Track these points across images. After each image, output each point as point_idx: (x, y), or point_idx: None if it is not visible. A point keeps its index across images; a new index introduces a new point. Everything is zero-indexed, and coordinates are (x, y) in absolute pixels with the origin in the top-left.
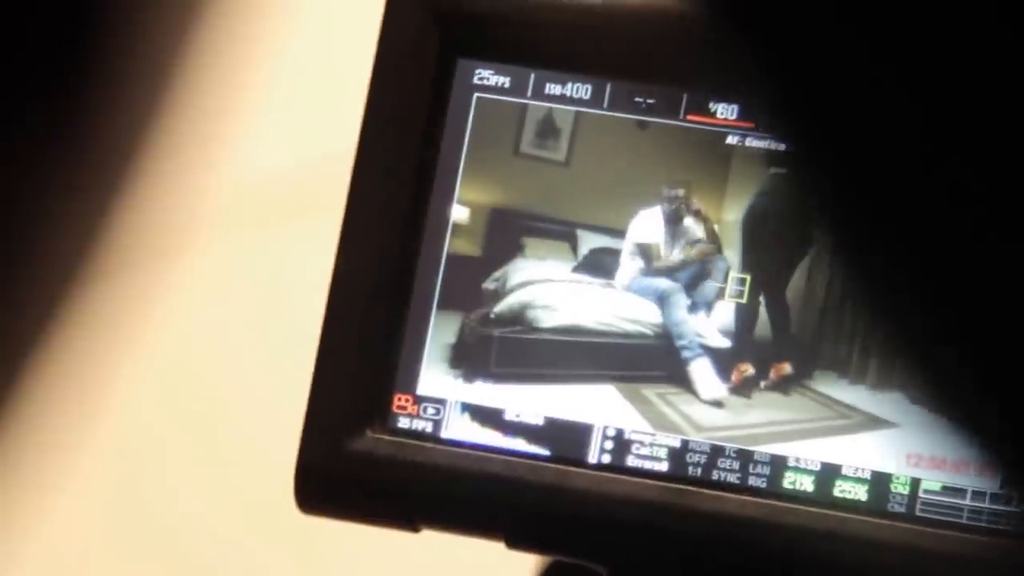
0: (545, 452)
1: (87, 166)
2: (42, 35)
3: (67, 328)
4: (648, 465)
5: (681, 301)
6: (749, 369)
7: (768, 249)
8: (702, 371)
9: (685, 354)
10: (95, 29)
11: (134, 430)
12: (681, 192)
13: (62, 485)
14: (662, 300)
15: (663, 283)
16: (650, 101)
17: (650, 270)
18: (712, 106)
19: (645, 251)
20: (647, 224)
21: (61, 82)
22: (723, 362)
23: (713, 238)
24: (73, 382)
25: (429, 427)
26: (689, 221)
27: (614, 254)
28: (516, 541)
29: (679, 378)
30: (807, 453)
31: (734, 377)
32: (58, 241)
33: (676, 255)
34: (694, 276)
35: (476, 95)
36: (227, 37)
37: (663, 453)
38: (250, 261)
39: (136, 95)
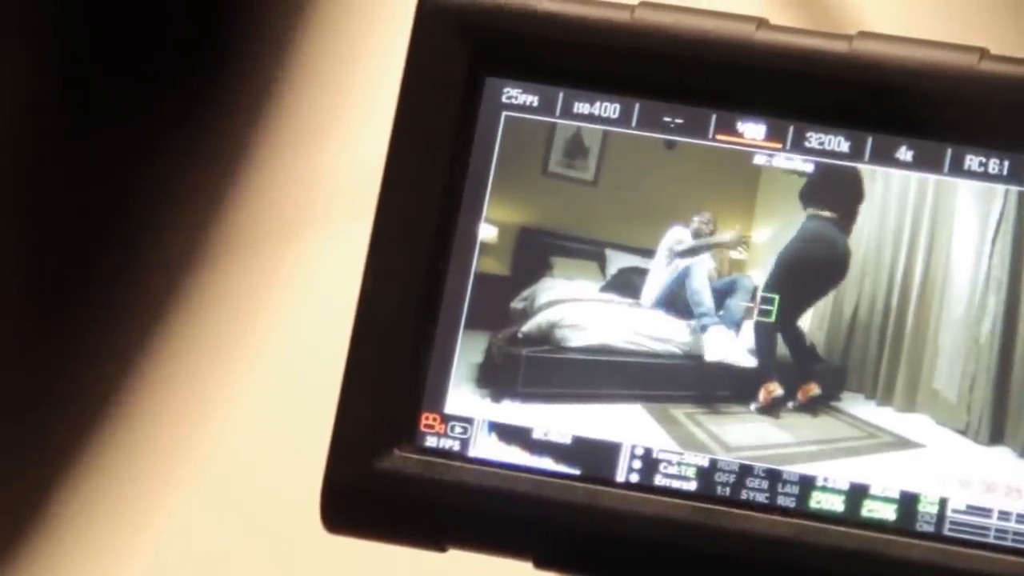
0: (573, 471)
1: (204, 158)
2: (163, 33)
3: (184, 314)
4: (676, 484)
5: (703, 272)
6: (777, 389)
7: (801, 274)
8: (715, 337)
9: (703, 321)
10: (216, 30)
11: (245, 423)
12: (708, 216)
13: (176, 479)
14: (685, 274)
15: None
16: (678, 121)
17: None
18: (740, 125)
19: (689, 247)
20: (679, 237)
21: (182, 75)
22: (750, 382)
23: (743, 257)
24: (192, 369)
25: (456, 446)
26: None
27: (642, 273)
28: (544, 561)
29: (707, 397)
30: (835, 473)
31: (762, 397)
32: (175, 230)
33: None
34: (722, 294)
35: (504, 114)
36: (335, 37)
37: (691, 472)
38: (295, 267)
39: (251, 88)
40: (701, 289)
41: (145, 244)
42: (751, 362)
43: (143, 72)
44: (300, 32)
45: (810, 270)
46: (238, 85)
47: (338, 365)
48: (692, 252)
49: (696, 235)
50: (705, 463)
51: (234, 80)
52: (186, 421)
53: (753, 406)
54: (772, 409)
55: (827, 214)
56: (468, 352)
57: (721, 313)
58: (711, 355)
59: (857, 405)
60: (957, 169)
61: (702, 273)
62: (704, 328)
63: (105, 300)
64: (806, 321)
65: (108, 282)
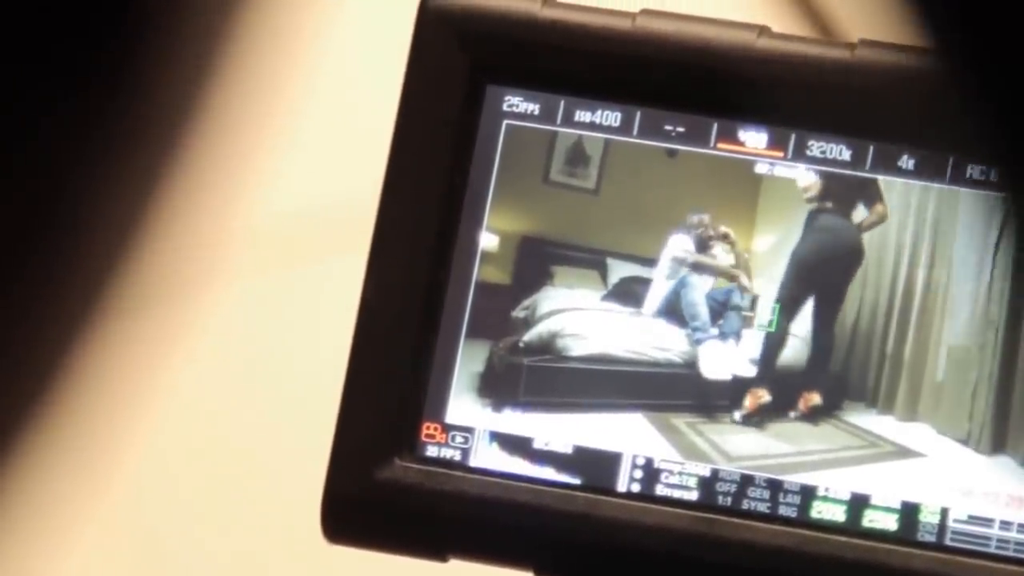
0: (574, 481)
1: (108, 200)
2: (64, 63)
3: (86, 361)
4: (678, 494)
5: (699, 284)
6: (765, 396)
7: (809, 282)
8: (711, 352)
9: (698, 335)
10: (118, 64)
11: (156, 465)
12: (706, 217)
13: (79, 532)
14: (681, 284)
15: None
16: (680, 129)
17: None
18: (742, 134)
19: (688, 263)
20: (682, 245)
21: (85, 108)
22: (743, 390)
23: (743, 265)
24: (92, 416)
25: (457, 455)
26: (718, 248)
27: (644, 282)
28: (545, 570)
29: (708, 406)
30: (837, 483)
31: (748, 402)
32: (76, 274)
33: (712, 272)
34: (721, 303)
35: (505, 122)
36: (253, 68)
37: (693, 482)
38: (275, 296)
39: (161, 125)
40: (697, 302)
41: (41, 288)
42: (751, 372)
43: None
44: (213, 65)
45: (826, 263)
46: (147, 122)
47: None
48: (692, 269)
49: (698, 241)
50: (706, 473)
51: (142, 116)
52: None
53: (737, 414)
54: (758, 417)
55: (829, 205)
56: (469, 361)
57: (721, 323)
58: (708, 372)
59: (858, 414)
60: (959, 178)
61: (698, 286)
62: (699, 342)
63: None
64: (807, 330)
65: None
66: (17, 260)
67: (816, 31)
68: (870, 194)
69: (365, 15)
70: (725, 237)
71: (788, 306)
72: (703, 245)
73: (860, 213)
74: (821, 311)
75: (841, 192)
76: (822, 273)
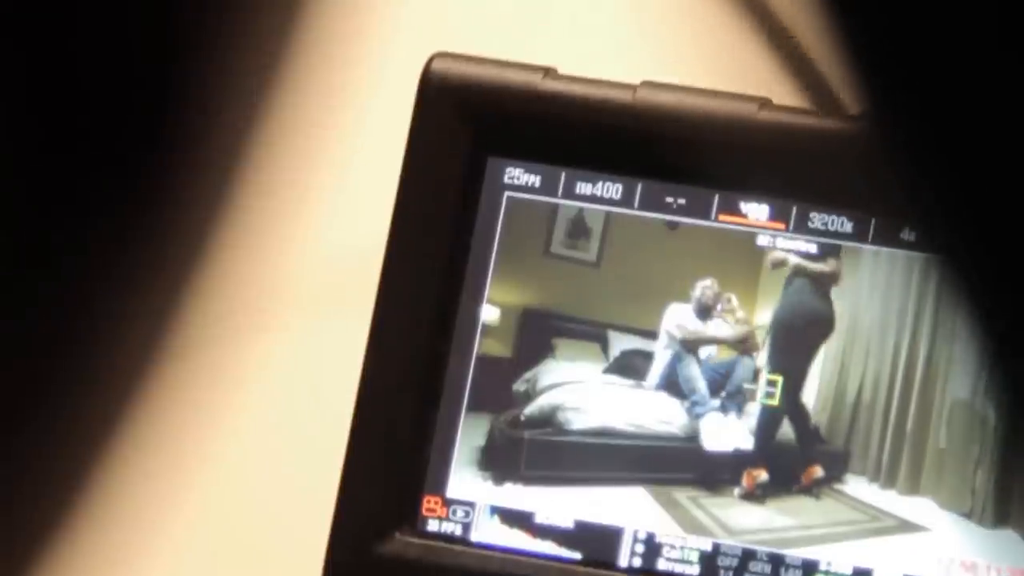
0: (576, 556)
1: (161, 247)
2: (115, 115)
3: (143, 404)
4: (680, 569)
5: (693, 360)
6: (763, 474)
7: (792, 350)
8: (711, 425)
9: (698, 409)
10: (168, 117)
11: (152, 537)
12: (709, 282)
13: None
14: (677, 359)
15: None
16: (681, 201)
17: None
18: (743, 206)
19: (677, 340)
20: (679, 318)
21: (136, 161)
22: (743, 466)
23: (744, 338)
24: (151, 459)
25: (458, 530)
26: (721, 318)
27: (645, 355)
28: None
29: (709, 480)
30: (839, 557)
31: (746, 481)
32: (132, 320)
33: (708, 349)
34: (723, 375)
35: (507, 194)
36: (299, 120)
37: (694, 556)
38: (295, 350)
39: (212, 173)
40: (694, 376)
41: (96, 339)
42: (752, 445)
43: (89, 153)
44: (259, 115)
45: (799, 327)
46: (198, 170)
47: (309, 460)
48: (692, 341)
49: (701, 308)
50: (708, 547)
51: (192, 165)
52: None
53: (736, 491)
54: (756, 494)
55: (806, 268)
56: (470, 435)
57: (723, 395)
58: (709, 445)
59: (860, 488)
60: None
61: (697, 359)
62: (700, 415)
63: (60, 411)
64: (809, 401)
65: (62, 392)
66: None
67: (817, 103)
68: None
69: (371, 84)
70: (729, 302)
71: (789, 378)
72: (706, 313)
73: (819, 268)
74: (816, 380)
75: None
76: (801, 338)
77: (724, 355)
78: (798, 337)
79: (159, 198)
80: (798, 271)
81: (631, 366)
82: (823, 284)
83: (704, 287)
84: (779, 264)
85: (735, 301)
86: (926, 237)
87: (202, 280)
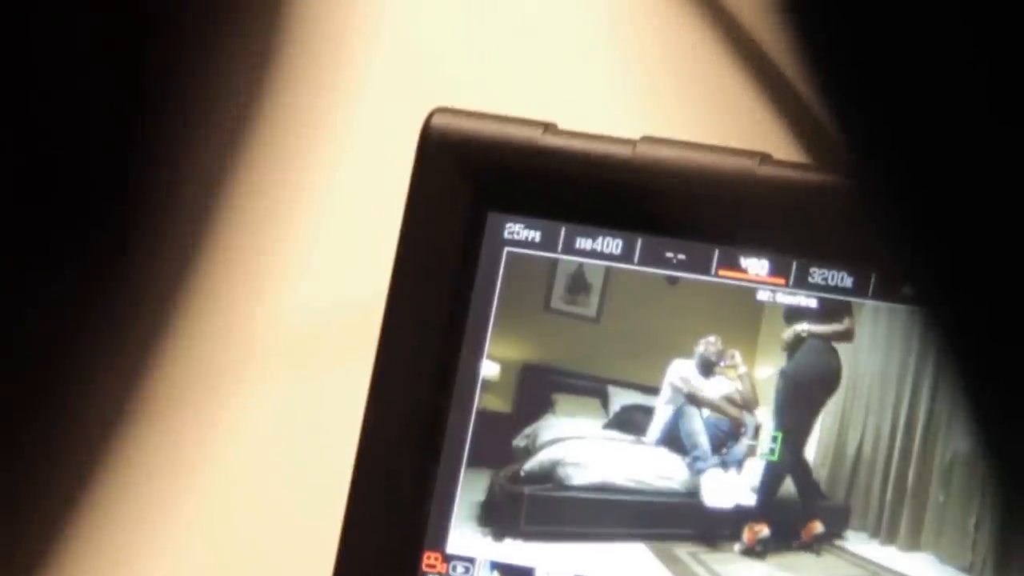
0: None
1: (126, 313)
2: (80, 179)
3: (111, 470)
4: None
5: (699, 413)
6: (764, 530)
7: (797, 407)
8: (712, 481)
9: (699, 464)
10: (134, 180)
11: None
12: (712, 338)
13: None
14: (679, 414)
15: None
16: (681, 256)
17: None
18: (743, 261)
19: (683, 394)
20: (684, 371)
21: (100, 223)
22: (743, 522)
23: (746, 393)
24: (118, 526)
25: None
26: (722, 374)
27: (645, 410)
28: None
29: (710, 536)
30: None
31: (747, 537)
32: (100, 384)
33: (709, 406)
34: (724, 431)
35: (507, 249)
36: (266, 183)
37: None
38: (293, 403)
39: (178, 236)
40: (696, 431)
41: (63, 403)
42: (753, 501)
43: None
44: (227, 178)
45: (805, 384)
46: (165, 232)
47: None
48: (693, 397)
49: (704, 364)
50: None
51: (158, 228)
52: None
53: (737, 547)
54: (757, 551)
55: (816, 330)
56: (470, 490)
57: (724, 451)
58: (710, 501)
59: (861, 544)
60: None
61: (698, 414)
62: (700, 471)
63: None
64: (810, 457)
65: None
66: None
67: (817, 158)
68: (851, 316)
69: (371, 138)
70: (732, 358)
71: (790, 435)
72: (708, 369)
73: (833, 328)
74: (816, 436)
75: (828, 315)
76: (808, 396)
77: (726, 410)
78: (804, 394)
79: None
80: (807, 329)
81: (631, 421)
82: (832, 342)
83: (708, 343)
84: (789, 320)
85: (739, 357)
86: (918, 291)
87: (195, 330)
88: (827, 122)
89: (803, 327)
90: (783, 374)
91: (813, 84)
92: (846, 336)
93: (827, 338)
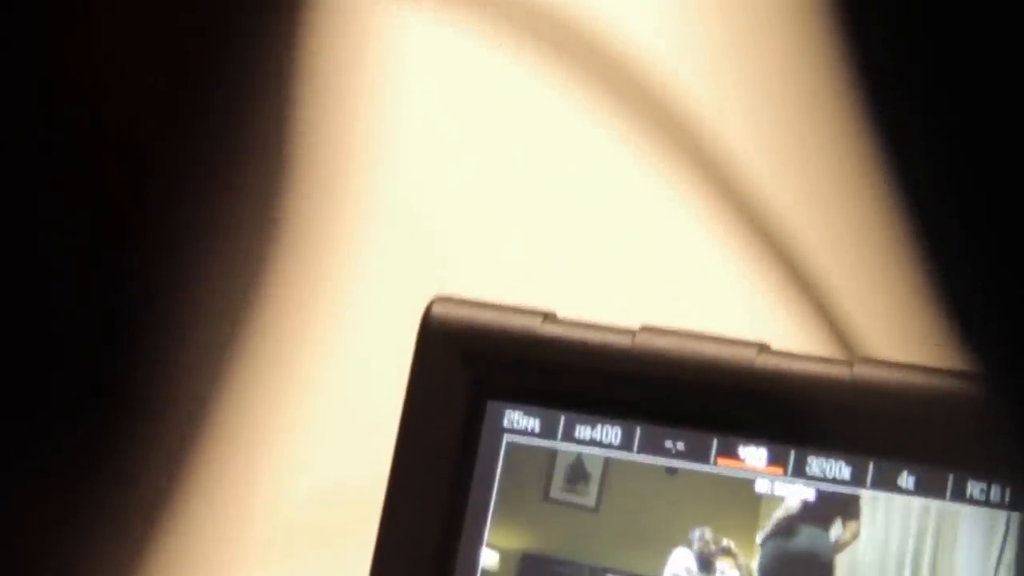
0: None
1: (124, 501)
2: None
3: None
4: None
5: None
6: None
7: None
8: None
9: None
10: (125, 362)
11: None
12: (708, 533)
13: None
14: None
15: None
16: (680, 446)
17: None
18: (741, 450)
19: None
20: (686, 561)
21: (94, 411)
22: None
23: None
24: None
25: None
26: (722, 565)
27: None
28: None
29: None
30: None
31: None
32: (95, 569)
33: None
34: None
35: (506, 438)
36: (264, 366)
37: None
38: None
39: (175, 419)
40: None
41: None
42: None
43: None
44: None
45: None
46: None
47: None
48: None
49: (701, 558)
50: None
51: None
52: None
53: None
54: None
55: (814, 519)
56: None
57: None
58: None
59: None
60: (959, 496)
61: None
62: None
63: None
64: None
65: None
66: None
67: (816, 347)
68: (850, 511)
69: (372, 323)
70: (727, 551)
71: None
72: (706, 563)
73: (836, 530)
74: None
75: (824, 506)
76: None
77: None
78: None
79: (131, 436)
80: (802, 519)
81: None
82: (829, 531)
83: (700, 537)
84: (786, 509)
85: (734, 547)
86: (1012, 493)
87: (193, 515)
88: (946, 324)
89: (800, 516)
90: (780, 563)
91: (925, 268)
92: (843, 525)
93: (824, 527)
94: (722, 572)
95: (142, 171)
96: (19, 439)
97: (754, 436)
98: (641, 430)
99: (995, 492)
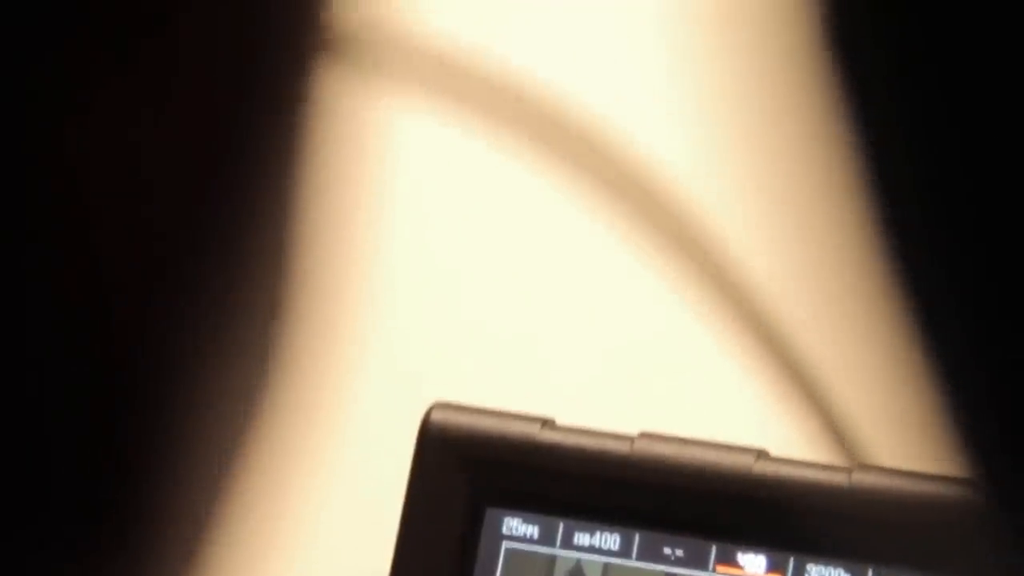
0: None
1: None
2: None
3: None
4: None
5: None
6: None
7: None
8: None
9: None
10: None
11: None
12: None
13: None
14: None
15: None
16: (679, 553)
17: None
18: (740, 557)
19: None
20: None
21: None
22: None
23: None
24: None
25: None
26: None
27: None
28: None
29: None
30: None
31: None
32: None
33: None
34: None
35: (505, 544)
36: (266, 472)
37: None
38: None
39: (181, 523)
40: None
41: None
42: None
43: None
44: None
45: None
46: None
47: None
48: None
49: None
50: None
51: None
52: None
53: None
54: None
55: None
56: None
57: None
58: None
59: None
60: None
61: None
62: None
63: None
64: None
65: None
66: None
67: (818, 452)
68: None
69: (371, 429)
70: None
71: None
72: None
73: None
74: None
75: None
76: None
77: None
78: None
79: (138, 547)
80: None
81: None
82: None
83: None
84: None
85: None
86: None
87: None
88: (947, 431)
89: None
90: None
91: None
92: None
93: None
94: None
95: (141, 295)
96: (16, 570)
97: (753, 543)
98: (640, 536)
99: None
